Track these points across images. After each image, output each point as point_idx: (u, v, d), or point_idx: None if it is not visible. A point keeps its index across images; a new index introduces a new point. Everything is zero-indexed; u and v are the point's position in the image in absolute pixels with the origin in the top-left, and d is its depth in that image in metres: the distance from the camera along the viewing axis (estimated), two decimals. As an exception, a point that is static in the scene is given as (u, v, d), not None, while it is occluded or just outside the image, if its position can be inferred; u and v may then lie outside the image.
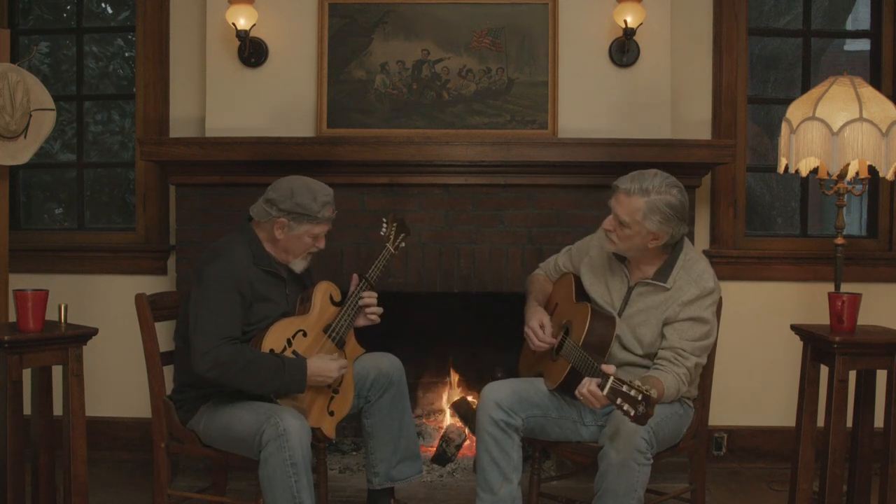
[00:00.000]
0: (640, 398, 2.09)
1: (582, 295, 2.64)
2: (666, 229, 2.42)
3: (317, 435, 2.61)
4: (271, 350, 2.50)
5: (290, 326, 2.58)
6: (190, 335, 2.46)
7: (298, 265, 2.67)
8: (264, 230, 2.62)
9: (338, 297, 2.75)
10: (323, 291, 2.71)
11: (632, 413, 2.10)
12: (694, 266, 2.49)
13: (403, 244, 2.90)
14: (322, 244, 2.67)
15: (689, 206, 2.49)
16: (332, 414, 2.65)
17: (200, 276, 2.53)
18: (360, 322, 2.77)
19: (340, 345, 2.68)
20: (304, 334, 2.60)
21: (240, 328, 2.51)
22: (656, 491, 2.82)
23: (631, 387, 2.10)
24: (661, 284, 2.48)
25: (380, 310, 2.78)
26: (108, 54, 4.63)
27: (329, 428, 2.64)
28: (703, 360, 2.51)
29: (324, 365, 2.53)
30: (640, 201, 2.39)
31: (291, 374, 2.46)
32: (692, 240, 3.30)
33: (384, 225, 2.86)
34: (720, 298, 2.70)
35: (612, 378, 2.13)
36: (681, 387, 2.40)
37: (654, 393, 2.11)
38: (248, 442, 2.42)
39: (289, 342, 2.55)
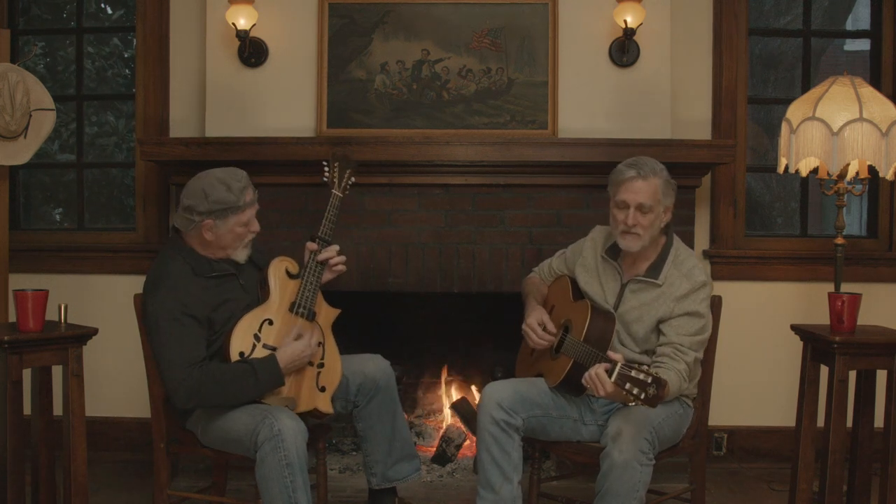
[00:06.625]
0: (649, 380, 2.10)
1: (579, 294, 2.67)
2: (672, 200, 2.55)
3: (315, 414, 2.56)
4: (241, 353, 2.43)
5: (253, 321, 2.49)
6: (160, 375, 2.46)
7: (240, 255, 2.58)
8: (194, 238, 2.55)
9: (295, 270, 2.62)
10: (276, 269, 2.59)
11: (642, 396, 2.10)
12: (684, 262, 2.55)
13: (353, 180, 2.67)
14: (256, 227, 2.57)
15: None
16: (323, 389, 2.58)
17: (146, 312, 2.48)
18: (327, 277, 2.64)
19: (311, 317, 2.57)
20: (271, 322, 2.50)
21: (203, 349, 2.45)
22: (656, 491, 2.81)
23: (640, 370, 2.12)
24: (654, 281, 2.53)
25: (343, 258, 2.64)
26: (105, 55, 4.62)
27: (324, 404, 2.57)
28: (701, 355, 2.55)
29: (295, 350, 2.46)
30: (657, 180, 2.50)
31: (264, 374, 2.41)
32: (692, 239, 3.32)
33: (325, 169, 2.65)
34: (721, 299, 2.72)
35: (619, 364, 2.16)
36: (682, 383, 2.41)
37: (662, 375, 2.11)
38: (245, 443, 2.41)
39: (256, 338, 2.46)
